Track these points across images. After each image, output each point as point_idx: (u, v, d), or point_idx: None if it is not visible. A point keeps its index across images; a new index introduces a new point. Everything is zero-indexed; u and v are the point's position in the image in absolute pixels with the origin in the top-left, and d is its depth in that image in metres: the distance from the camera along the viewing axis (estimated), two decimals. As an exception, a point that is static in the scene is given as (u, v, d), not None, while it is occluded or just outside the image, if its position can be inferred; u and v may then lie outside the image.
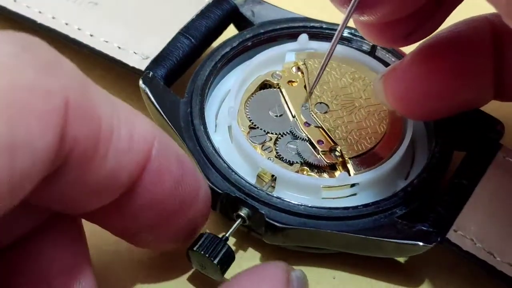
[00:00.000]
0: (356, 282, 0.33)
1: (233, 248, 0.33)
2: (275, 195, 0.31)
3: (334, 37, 0.31)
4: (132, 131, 0.24)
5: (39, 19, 0.37)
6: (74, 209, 0.25)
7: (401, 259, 0.33)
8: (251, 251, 0.33)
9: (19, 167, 0.20)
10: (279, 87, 0.35)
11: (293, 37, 0.36)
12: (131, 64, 0.35)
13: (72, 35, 0.36)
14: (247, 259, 0.33)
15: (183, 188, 0.26)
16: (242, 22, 0.37)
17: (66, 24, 0.36)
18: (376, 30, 0.30)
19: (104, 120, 0.23)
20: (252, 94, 0.35)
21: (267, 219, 0.30)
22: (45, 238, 0.26)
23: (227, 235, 0.30)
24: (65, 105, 0.21)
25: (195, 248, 0.29)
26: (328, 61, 0.32)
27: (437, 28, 0.31)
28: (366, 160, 0.33)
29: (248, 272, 0.25)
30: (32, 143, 0.20)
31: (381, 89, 0.32)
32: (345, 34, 0.37)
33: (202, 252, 0.29)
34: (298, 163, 0.33)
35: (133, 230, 0.27)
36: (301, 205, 0.31)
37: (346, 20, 0.29)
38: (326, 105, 0.34)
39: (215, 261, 0.29)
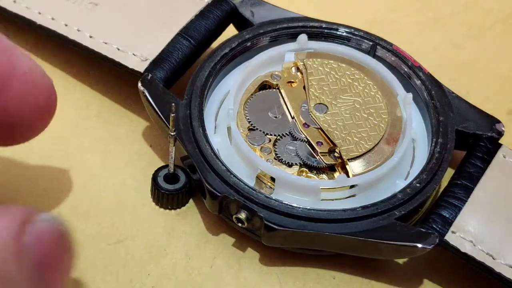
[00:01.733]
0: (356, 283, 0.33)
1: (232, 248, 0.33)
2: (273, 198, 0.31)
3: None
4: None
5: (39, 20, 0.37)
6: None
7: (400, 260, 0.33)
8: (250, 251, 0.33)
9: None
10: (278, 88, 0.35)
11: (293, 37, 0.36)
12: (130, 66, 0.35)
13: (72, 36, 0.36)
14: (246, 259, 0.33)
15: None
16: (241, 23, 0.37)
17: (66, 25, 0.36)
18: None
19: None
20: (252, 95, 0.35)
21: (265, 221, 0.31)
22: None
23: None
24: None
25: None
26: None
27: None
28: (365, 161, 0.33)
29: None
30: None
31: None
32: (344, 33, 0.37)
33: None
34: (297, 164, 0.33)
35: None
36: (300, 207, 0.31)
37: None
38: (326, 106, 0.34)
39: None
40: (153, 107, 0.33)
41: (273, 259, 0.33)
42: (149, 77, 0.34)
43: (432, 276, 0.33)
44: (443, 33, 0.37)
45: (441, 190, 0.33)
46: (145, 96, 0.33)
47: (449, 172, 0.33)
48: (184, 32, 0.35)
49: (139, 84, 0.34)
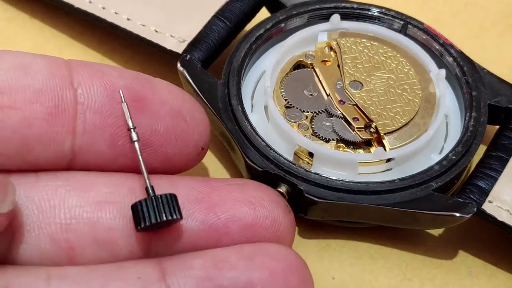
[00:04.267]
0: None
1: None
2: (313, 171, 0.32)
3: None
4: None
5: (76, 3, 0.37)
6: None
7: (435, 233, 0.34)
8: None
9: None
10: (313, 67, 0.36)
11: (325, 18, 0.37)
12: (168, 47, 0.35)
13: (109, 19, 0.37)
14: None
15: None
16: (274, 5, 0.38)
17: (103, 8, 0.37)
18: None
19: None
20: (287, 74, 0.36)
21: (306, 194, 0.31)
22: None
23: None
24: None
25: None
26: None
27: None
28: (401, 135, 0.33)
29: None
30: None
31: None
32: (375, 13, 0.37)
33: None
34: (334, 140, 0.34)
35: None
36: (339, 180, 0.32)
37: None
38: (360, 83, 0.35)
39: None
40: (192, 86, 0.34)
41: (312, 232, 0.34)
42: (187, 58, 0.35)
43: (467, 247, 0.34)
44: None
45: (473, 165, 0.34)
46: (185, 76, 0.34)
47: (481, 148, 0.34)
48: (220, 14, 0.36)
49: (179, 64, 0.34)
